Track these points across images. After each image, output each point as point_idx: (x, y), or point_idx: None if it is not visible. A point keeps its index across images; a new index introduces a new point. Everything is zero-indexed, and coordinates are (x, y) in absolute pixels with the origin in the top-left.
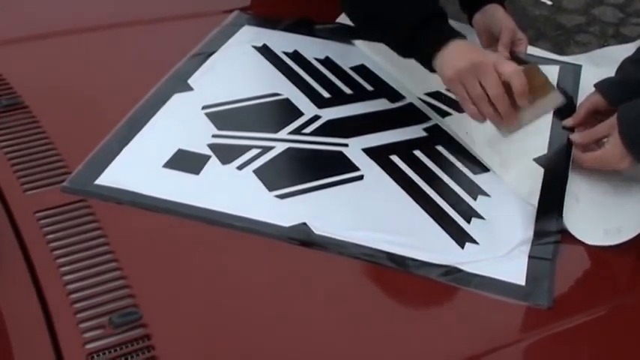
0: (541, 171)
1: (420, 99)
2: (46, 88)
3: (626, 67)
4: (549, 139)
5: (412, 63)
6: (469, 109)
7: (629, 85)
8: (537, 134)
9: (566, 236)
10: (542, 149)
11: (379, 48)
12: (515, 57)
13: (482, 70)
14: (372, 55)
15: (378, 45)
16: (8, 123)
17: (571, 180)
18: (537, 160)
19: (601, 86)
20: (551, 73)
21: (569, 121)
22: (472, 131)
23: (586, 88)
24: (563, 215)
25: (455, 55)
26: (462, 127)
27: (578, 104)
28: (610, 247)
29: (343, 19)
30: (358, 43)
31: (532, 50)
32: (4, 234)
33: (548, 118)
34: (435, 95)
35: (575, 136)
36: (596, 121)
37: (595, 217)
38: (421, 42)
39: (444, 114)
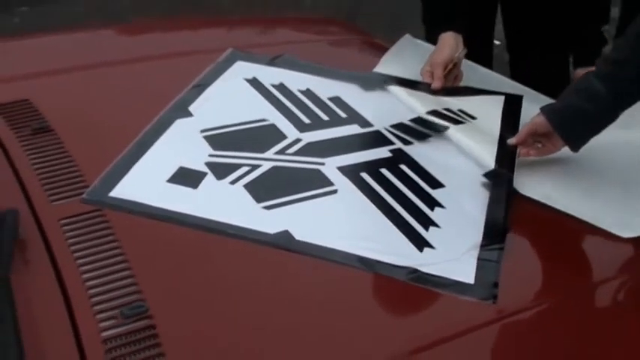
0: (489, 185)
1: (386, 128)
2: (69, 115)
3: (567, 96)
4: (496, 157)
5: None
6: None
7: (569, 111)
8: (485, 153)
9: (510, 242)
10: (490, 165)
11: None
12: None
13: None
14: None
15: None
16: (38, 144)
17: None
18: (486, 175)
19: (546, 110)
20: (498, 102)
21: (512, 140)
22: (427, 158)
23: (526, 115)
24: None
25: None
26: (421, 154)
27: (520, 128)
28: (549, 250)
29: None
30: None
31: (488, 75)
32: (33, 238)
33: (494, 139)
34: (398, 126)
35: (511, 140)
36: (535, 141)
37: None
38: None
39: (406, 142)
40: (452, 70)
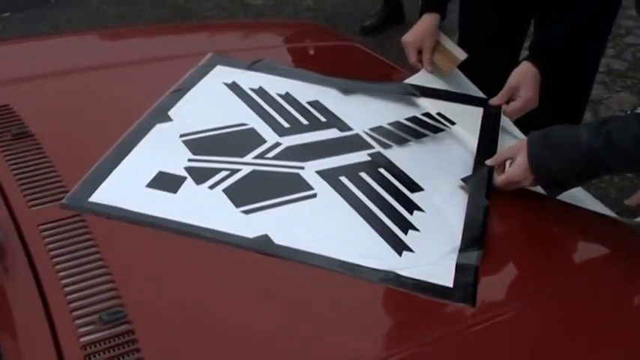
0: (468, 188)
1: (365, 132)
2: (49, 120)
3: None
4: (473, 164)
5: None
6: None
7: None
8: (464, 159)
9: (488, 245)
10: (468, 172)
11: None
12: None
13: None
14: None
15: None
16: (17, 149)
17: None
18: (464, 180)
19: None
20: (476, 114)
21: (490, 162)
22: (407, 162)
23: (505, 125)
24: None
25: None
26: (400, 157)
27: (499, 139)
28: (527, 253)
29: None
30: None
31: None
32: (12, 243)
33: (473, 142)
34: (378, 130)
35: (489, 161)
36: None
37: None
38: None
39: (385, 145)
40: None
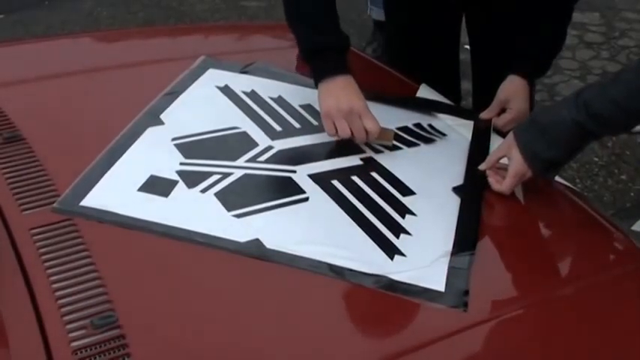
0: (460, 192)
1: None
2: (41, 123)
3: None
4: (465, 172)
5: None
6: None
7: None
8: (455, 168)
9: (480, 250)
10: (459, 180)
11: None
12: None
13: (350, 117)
14: None
15: None
16: (9, 153)
17: None
18: (456, 189)
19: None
20: (467, 126)
21: (483, 165)
22: (399, 166)
23: (496, 138)
24: None
25: (330, 92)
26: (392, 161)
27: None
28: (519, 257)
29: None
30: None
31: None
32: (3, 247)
33: (464, 158)
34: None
35: (481, 165)
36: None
37: None
38: (312, 69)
39: (377, 150)
40: None
